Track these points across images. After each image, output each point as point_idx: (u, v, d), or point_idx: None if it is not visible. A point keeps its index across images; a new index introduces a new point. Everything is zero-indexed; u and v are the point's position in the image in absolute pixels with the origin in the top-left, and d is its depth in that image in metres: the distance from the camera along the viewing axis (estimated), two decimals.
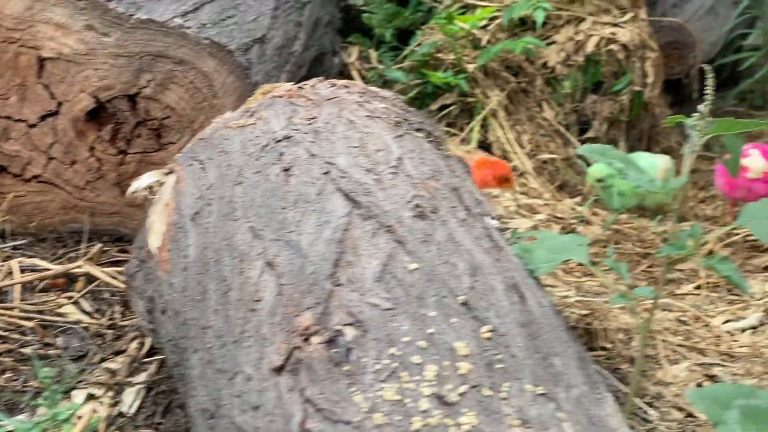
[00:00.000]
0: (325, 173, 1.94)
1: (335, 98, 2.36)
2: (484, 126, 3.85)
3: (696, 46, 4.40)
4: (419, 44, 4.02)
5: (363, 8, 4.39)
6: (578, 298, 2.83)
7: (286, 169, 1.98)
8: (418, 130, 2.30)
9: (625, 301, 1.87)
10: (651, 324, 2.04)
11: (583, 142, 3.93)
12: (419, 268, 1.67)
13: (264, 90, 2.47)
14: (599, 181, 3.47)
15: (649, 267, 3.31)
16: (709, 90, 1.83)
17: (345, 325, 1.53)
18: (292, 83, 2.49)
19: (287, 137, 2.12)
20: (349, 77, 4.10)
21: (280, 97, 2.39)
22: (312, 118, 2.21)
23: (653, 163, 3.45)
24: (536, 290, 1.80)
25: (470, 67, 3.84)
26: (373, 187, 1.90)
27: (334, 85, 2.49)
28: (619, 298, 1.88)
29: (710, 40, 4.58)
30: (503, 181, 3.03)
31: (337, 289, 1.61)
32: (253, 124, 2.26)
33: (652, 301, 1.99)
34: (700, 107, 1.84)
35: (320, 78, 2.53)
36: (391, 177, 1.96)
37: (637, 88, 3.94)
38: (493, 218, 2.01)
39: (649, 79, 3.99)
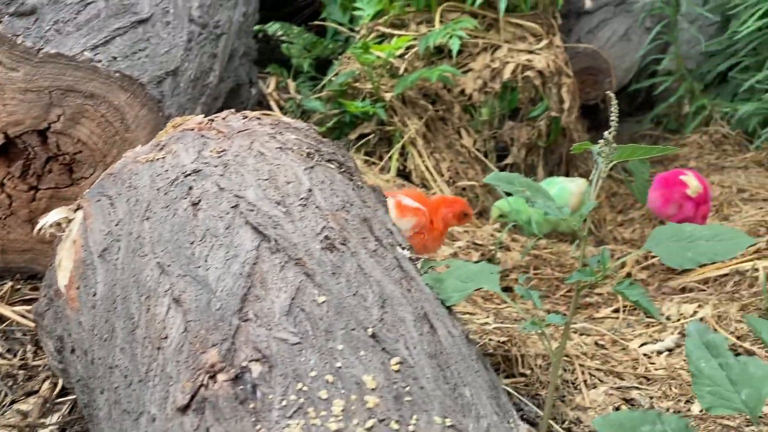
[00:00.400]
0: (233, 207, 1.92)
1: (247, 130, 2.35)
2: (403, 154, 3.86)
3: (611, 71, 4.46)
4: (337, 74, 4.02)
5: (281, 38, 4.39)
6: (497, 325, 2.84)
7: (195, 204, 1.96)
8: (329, 161, 2.30)
9: (537, 328, 1.87)
10: (565, 350, 2.05)
11: (501, 168, 3.96)
12: (328, 301, 1.66)
13: (175, 123, 2.44)
14: (501, 216, 3.49)
15: (568, 291, 3.33)
16: (613, 117, 1.86)
17: (251, 361, 1.51)
18: (204, 116, 2.47)
19: (196, 171, 2.10)
20: (268, 108, 4.09)
21: (191, 130, 2.37)
22: (222, 151, 2.20)
23: (565, 188, 3.47)
24: (447, 320, 1.79)
25: (388, 95, 3.85)
26: (282, 219, 1.88)
27: (246, 117, 2.48)
28: (531, 325, 1.88)
29: (624, 66, 4.64)
30: (463, 217, 3.10)
31: (245, 325, 1.59)
32: (163, 158, 2.23)
33: (568, 326, 2.00)
34: (606, 134, 1.86)
35: (232, 110, 2.51)
36: (301, 209, 1.95)
37: (554, 114, 3.97)
38: (404, 248, 2.00)
39: (566, 105, 4.03)
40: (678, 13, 4.49)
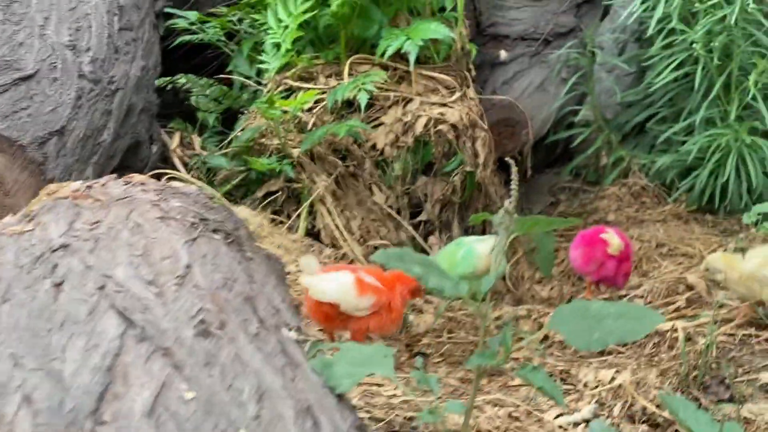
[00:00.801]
0: (99, 288, 1.75)
1: (126, 198, 2.18)
2: (312, 212, 3.70)
3: (527, 123, 4.36)
4: (243, 129, 3.85)
5: (188, 91, 4.22)
6: (406, 398, 2.68)
7: (58, 285, 1.78)
8: (216, 231, 2.13)
9: (434, 418, 1.72)
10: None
11: (415, 225, 3.82)
12: (197, 397, 1.49)
13: (49, 191, 2.26)
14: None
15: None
16: (513, 185, 1.72)
17: None
18: (81, 182, 2.30)
19: (64, 246, 1.92)
20: (172, 166, 3.91)
21: (65, 198, 2.19)
22: (95, 223, 2.02)
23: (472, 251, 3.33)
24: (335, 412, 1.63)
25: (296, 151, 3.70)
26: (153, 302, 1.71)
27: (128, 182, 2.31)
28: (428, 415, 1.72)
29: (541, 117, 4.55)
30: (417, 291, 3.00)
31: (99, 429, 1.41)
32: (31, 230, 2.05)
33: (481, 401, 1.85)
34: (506, 204, 1.72)
35: (114, 175, 2.34)
36: (176, 289, 1.78)
37: (468, 168, 3.85)
38: (290, 329, 1.84)
39: (481, 159, 3.91)
40: (594, 64, 4.41)
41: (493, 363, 1.69)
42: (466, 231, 3.96)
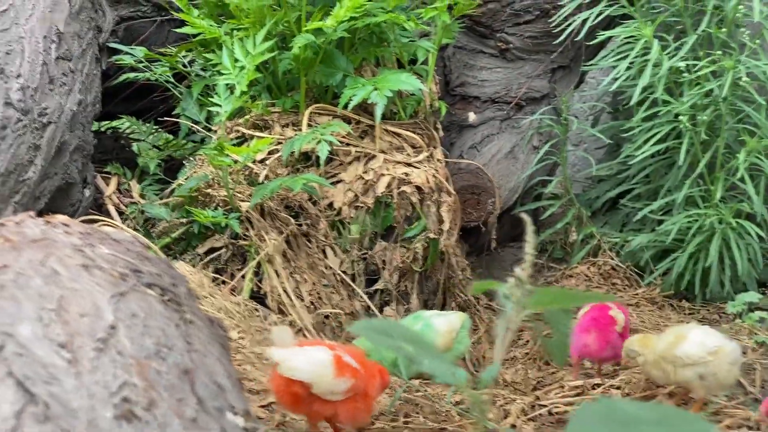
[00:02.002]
0: None
1: (44, 240, 1.81)
2: (259, 273, 3.34)
3: (494, 191, 4.06)
4: (187, 177, 3.49)
5: (129, 136, 3.86)
6: None
7: None
8: (150, 285, 1.77)
9: None
10: None
11: (371, 294, 3.47)
12: None
13: None
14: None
15: None
16: (529, 249, 1.39)
17: None
18: None
19: None
20: (106, 213, 3.54)
21: None
22: (2, 267, 1.65)
23: (429, 326, 3.02)
24: None
25: (244, 205, 3.34)
26: (63, 371, 1.35)
27: (49, 223, 1.93)
28: None
29: (510, 186, 4.25)
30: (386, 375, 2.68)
31: None
32: None
33: None
34: (517, 271, 1.39)
35: (31, 213, 1.97)
36: (94, 356, 1.41)
37: (431, 235, 3.51)
38: (236, 413, 1.48)
39: (445, 226, 3.58)
40: (567, 133, 4.13)
41: None
42: (425, 303, 3.62)
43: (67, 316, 1.49)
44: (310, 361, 2.47)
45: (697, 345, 2.90)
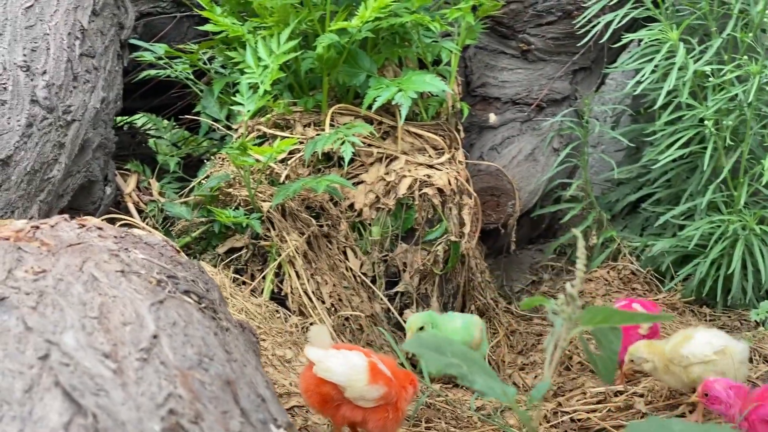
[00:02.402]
0: (42, 357, 1.36)
1: (81, 244, 1.79)
2: (279, 274, 3.32)
3: (514, 193, 4.03)
4: (208, 176, 3.47)
5: (148, 133, 3.83)
6: None
7: None
8: (187, 292, 1.75)
9: None
10: None
11: (391, 297, 3.44)
12: None
13: None
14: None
15: None
16: (580, 264, 1.36)
17: None
18: (26, 221, 1.91)
19: (1, 298, 1.53)
20: (125, 211, 3.52)
21: (5, 239, 1.80)
22: (41, 272, 1.63)
23: (471, 322, 3.19)
24: None
25: (265, 205, 3.31)
26: (110, 382, 1.33)
27: (83, 226, 1.92)
28: None
29: (529, 188, 4.22)
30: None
31: None
32: None
33: None
34: (568, 287, 1.36)
35: (66, 216, 1.95)
36: (139, 366, 1.39)
37: (453, 238, 3.49)
38: (280, 426, 1.45)
39: (467, 229, 3.56)
40: (589, 135, 4.09)
41: None
42: (445, 306, 3.59)
43: (109, 325, 1.47)
44: (345, 365, 2.46)
45: (703, 344, 2.95)
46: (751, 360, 3.27)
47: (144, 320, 1.50)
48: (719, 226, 3.75)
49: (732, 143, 3.73)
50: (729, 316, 3.84)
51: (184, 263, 1.96)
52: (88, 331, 1.43)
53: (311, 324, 3.21)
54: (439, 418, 2.99)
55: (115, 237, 1.86)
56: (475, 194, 3.66)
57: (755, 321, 3.54)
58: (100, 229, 1.90)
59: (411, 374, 2.63)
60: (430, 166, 3.56)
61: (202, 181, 3.49)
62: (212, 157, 3.63)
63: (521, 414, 1.37)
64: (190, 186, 3.58)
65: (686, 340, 2.97)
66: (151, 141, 4.18)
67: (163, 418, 1.28)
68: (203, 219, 3.40)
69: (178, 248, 2.08)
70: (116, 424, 1.23)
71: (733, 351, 2.93)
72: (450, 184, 3.53)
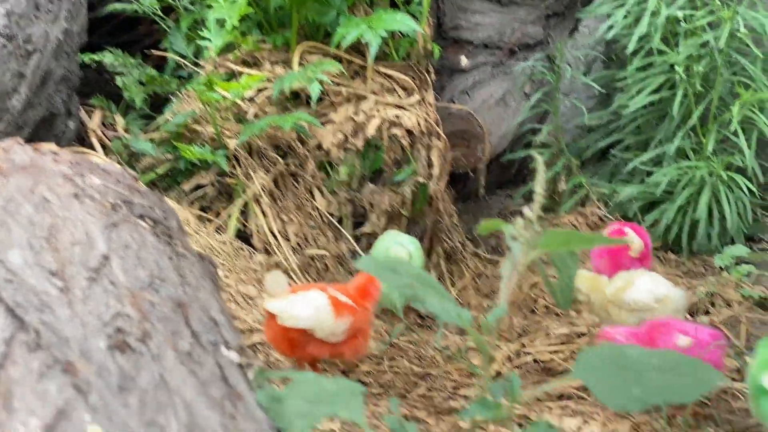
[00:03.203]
0: None
1: (33, 168, 1.76)
2: (245, 213, 3.29)
3: (485, 137, 4.01)
4: (174, 113, 3.42)
5: (113, 68, 3.76)
6: None
7: None
8: (142, 217, 1.72)
9: None
10: None
11: (357, 237, 3.42)
12: None
13: None
14: None
15: (429, 390, 2.81)
16: (538, 189, 1.35)
17: None
18: None
19: None
20: (89, 146, 3.47)
21: None
22: None
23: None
24: None
25: (232, 143, 3.28)
26: (56, 300, 1.30)
27: (37, 150, 1.88)
28: None
29: (500, 133, 4.19)
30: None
31: None
32: None
33: None
34: (525, 211, 1.34)
35: (19, 139, 1.91)
36: (87, 285, 1.37)
37: (421, 180, 3.47)
38: (231, 349, 1.44)
39: (435, 170, 3.54)
40: (560, 81, 4.07)
41: (495, 416, 1.30)
42: None
43: (58, 245, 1.44)
44: (309, 308, 2.46)
45: (645, 292, 2.96)
46: (713, 304, 3.29)
47: (95, 241, 1.48)
48: (687, 173, 3.75)
49: (702, 90, 3.72)
50: (694, 262, 3.84)
51: (143, 191, 1.93)
52: (36, 250, 1.41)
53: (268, 271, 3.18)
54: (402, 356, 2.99)
55: (71, 162, 1.83)
56: (444, 137, 3.63)
57: (719, 267, 3.54)
58: (55, 153, 1.86)
59: (366, 282, 2.61)
60: (400, 107, 3.53)
61: (169, 118, 3.44)
62: (179, 94, 3.58)
63: (475, 336, 1.36)
64: (157, 122, 3.53)
65: (628, 286, 2.98)
66: (118, 79, 4.11)
67: (110, 335, 1.26)
68: (169, 156, 3.36)
69: (136, 176, 2.05)
70: (60, 340, 1.21)
71: (672, 299, 2.95)
72: (419, 125, 3.50)
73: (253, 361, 1.46)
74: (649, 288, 2.96)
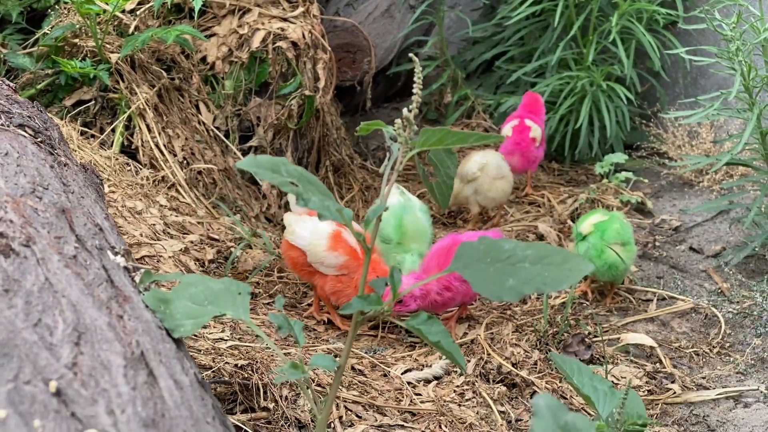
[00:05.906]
0: None
1: None
2: (130, 128, 3.26)
3: (371, 50, 4.01)
4: (53, 27, 3.35)
5: None
6: (235, 343, 2.31)
7: None
8: (22, 126, 1.70)
9: (299, 374, 1.36)
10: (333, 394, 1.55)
11: (245, 151, 3.42)
12: None
13: None
14: None
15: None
16: (416, 89, 1.37)
17: None
18: None
19: None
20: None
21: None
22: None
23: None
24: (173, 362, 1.25)
25: (114, 56, 3.23)
26: None
27: None
28: (290, 370, 1.37)
29: (386, 45, 4.21)
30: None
31: None
32: None
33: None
34: (405, 112, 1.37)
35: None
36: None
37: (307, 93, 3.47)
38: (117, 253, 1.44)
39: (321, 83, 3.54)
40: None
41: (379, 310, 1.34)
42: (300, 161, 3.59)
43: None
44: (309, 229, 2.61)
45: (473, 163, 3.33)
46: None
47: None
48: (568, 83, 3.83)
49: (582, 0, 3.78)
50: (576, 171, 3.94)
51: (21, 102, 1.91)
52: None
53: (162, 177, 3.18)
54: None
55: None
56: (330, 49, 3.63)
57: (599, 174, 3.64)
58: None
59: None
60: (284, 20, 3.51)
61: (47, 32, 3.37)
62: (57, 7, 3.50)
63: (357, 236, 1.39)
64: (35, 37, 3.45)
65: (467, 160, 3.36)
66: None
67: None
68: (48, 70, 3.29)
69: (14, 87, 2.02)
70: None
71: (489, 167, 3.31)
72: (304, 37, 3.49)
73: (140, 266, 1.47)
74: (477, 159, 3.32)
